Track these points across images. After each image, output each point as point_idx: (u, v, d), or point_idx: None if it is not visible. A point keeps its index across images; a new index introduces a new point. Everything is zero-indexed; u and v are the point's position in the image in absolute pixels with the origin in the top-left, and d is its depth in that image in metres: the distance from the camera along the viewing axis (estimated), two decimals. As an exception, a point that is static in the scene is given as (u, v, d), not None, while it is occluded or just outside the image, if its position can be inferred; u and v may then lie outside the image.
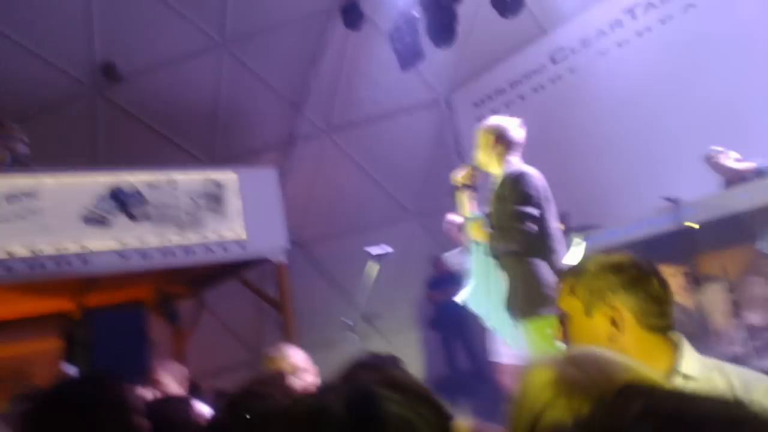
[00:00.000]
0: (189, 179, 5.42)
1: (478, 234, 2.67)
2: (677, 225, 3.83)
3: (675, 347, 1.13)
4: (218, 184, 5.55)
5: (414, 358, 6.71)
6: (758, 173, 3.96)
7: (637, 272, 1.16)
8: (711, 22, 5.09)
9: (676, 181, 4.51)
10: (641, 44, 5.65)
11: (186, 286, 5.86)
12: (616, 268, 1.17)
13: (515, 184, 2.56)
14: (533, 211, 2.50)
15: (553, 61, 6.45)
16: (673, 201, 3.91)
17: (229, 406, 1.39)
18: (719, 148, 4.26)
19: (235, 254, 5.30)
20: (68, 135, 5.89)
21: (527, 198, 2.51)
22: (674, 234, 3.82)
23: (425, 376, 6.32)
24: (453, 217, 4.20)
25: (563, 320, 1.22)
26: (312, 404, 0.71)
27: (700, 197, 3.99)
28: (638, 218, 4.31)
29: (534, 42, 6.54)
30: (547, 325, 2.43)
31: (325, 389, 0.77)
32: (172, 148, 6.64)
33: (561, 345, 2.31)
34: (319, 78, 7.22)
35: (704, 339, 3.34)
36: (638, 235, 4.18)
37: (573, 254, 4.19)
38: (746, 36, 4.78)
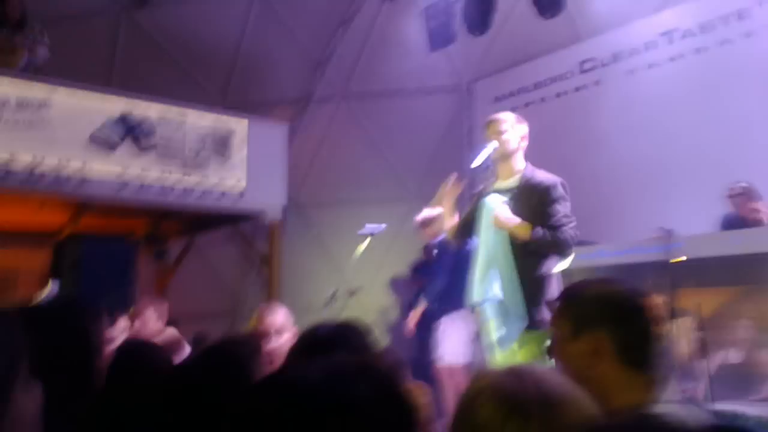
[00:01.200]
0: (200, 118, 5.42)
1: (517, 227, 2.45)
2: (665, 256, 3.89)
3: (650, 385, 1.17)
4: (229, 129, 5.56)
5: (386, 338, 6.83)
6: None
7: (628, 306, 1.21)
8: (746, 59, 5.05)
9: (672, 212, 4.55)
10: (672, 70, 5.60)
11: (179, 226, 5.92)
12: (608, 300, 1.21)
13: (560, 189, 2.49)
14: (574, 223, 2.47)
15: (582, 69, 6.40)
16: (667, 232, 3.95)
17: (202, 355, 1.43)
18: (746, 184, 4.25)
19: (233, 203, 5.35)
20: (86, 49, 5.82)
21: (567, 207, 2.48)
22: (661, 264, 3.88)
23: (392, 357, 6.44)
24: (427, 212, 4.16)
25: (553, 340, 1.28)
26: (289, 375, 0.73)
27: (694, 234, 4.03)
28: (630, 243, 4.36)
29: (566, 47, 6.47)
30: (543, 341, 2.29)
31: (297, 366, 0.79)
32: (187, 84, 6.60)
33: (549, 361, 2.28)
34: (346, 41, 7.15)
35: (667, 373, 3.42)
36: (627, 260, 4.24)
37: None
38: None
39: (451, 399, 3.92)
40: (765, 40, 4.97)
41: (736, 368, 3.85)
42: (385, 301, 6.79)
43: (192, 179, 5.17)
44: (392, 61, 6.90)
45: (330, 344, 1.30)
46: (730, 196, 4.27)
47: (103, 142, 4.72)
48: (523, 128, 2.65)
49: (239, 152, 5.54)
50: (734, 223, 4.23)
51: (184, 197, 5.06)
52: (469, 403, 0.81)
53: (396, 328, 6.53)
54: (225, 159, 5.47)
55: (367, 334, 1.39)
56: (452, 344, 3.99)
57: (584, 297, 1.25)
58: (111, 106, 4.81)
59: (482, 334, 2.70)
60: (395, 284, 6.44)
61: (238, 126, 5.61)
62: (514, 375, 0.80)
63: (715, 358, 3.66)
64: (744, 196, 4.21)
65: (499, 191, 2.58)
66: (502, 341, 2.47)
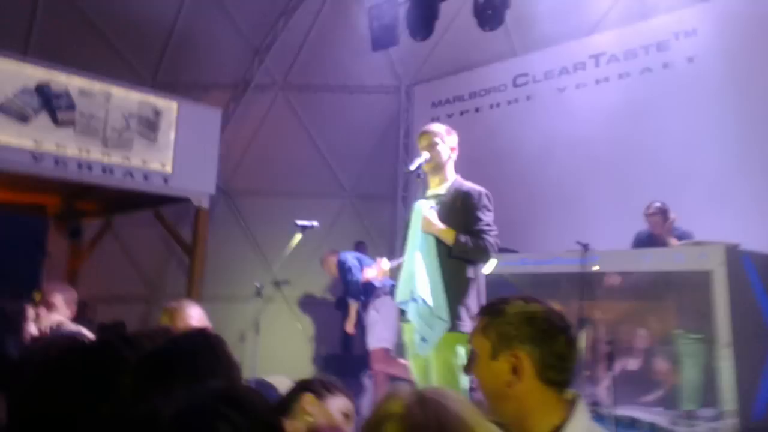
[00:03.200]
0: (126, 96, 5.17)
1: (442, 231, 2.58)
2: (582, 268, 4.12)
3: (569, 406, 1.19)
4: (156, 111, 5.32)
5: (311, 332, 6.79)
6: (679, 237, 4.31)
7: (548, 327, 1.21)
8: (661, 87, 5.45)
9: (591, 226, 4.83)
10: (597, 91, 5.94)
11: (96, 205, 5.59)
12: (529, 320, 1.22)
13: (484, 199, 2.64)
14: (496, 231, 2.61)
15: (515, 84, 6.66)
16: (584, 246, 4.19)
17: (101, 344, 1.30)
18: (662, 204, 4.49)
19: (157, 187, 5.13)
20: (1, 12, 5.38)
21: (490, 217, 2.62)
22: (576, 275, 4.11)
23: (317, 352, 6.41)
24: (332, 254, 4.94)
25: (472, 356, 1.27)
26: (144, 410, 0.66)
27: (608, 249, 4.29)
28: (550, 253, 4.59)
29: (502, 60, 6.70)
30: (456, 343, 2.42)
31: (164, 396, 0.70)
32: (115, 60, 6.23)
33: (465, 376, 2.33)
34: (287, 31, 7.02)
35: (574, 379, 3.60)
36: (547, 269, 4.46)
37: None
38: (690, 108, 5.16)
39: (381, 382, 4.45)
40: (680, 71, 5.38)
41: (634, 375, 4.16)
42: (313, 295, 6.74)
43: (113, 158, 4.91)
44: (334, 56, 6.86)
45: (178, 362, 1.12)
46: (647, 215, 4.57)
47: (15, 113, 4.39)
48: (453, 139, 2.78)
49: (167, 135, 5.32)
50: (645, 241, 4.53)
51: (103, 175, 4.80)
52: (375, 425, 0.84)
53: (326, 322, 6.51)
54: (151, 140, 5.24)
55: (221, 350, 1.21)
56: (378, 331, 4.43)
57: (505, 315, 1.24)
58: (25, 74, 4.48)
59: (404, 333, 2.74)
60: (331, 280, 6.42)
61: (168, 107, 5.38)
62: (420, 404, 0.83)
63: (617, 365, 3.93)
64: (659, 215, 4.51)
65: (429, 198, 2.72)
66: (423, 343, 2.52)
